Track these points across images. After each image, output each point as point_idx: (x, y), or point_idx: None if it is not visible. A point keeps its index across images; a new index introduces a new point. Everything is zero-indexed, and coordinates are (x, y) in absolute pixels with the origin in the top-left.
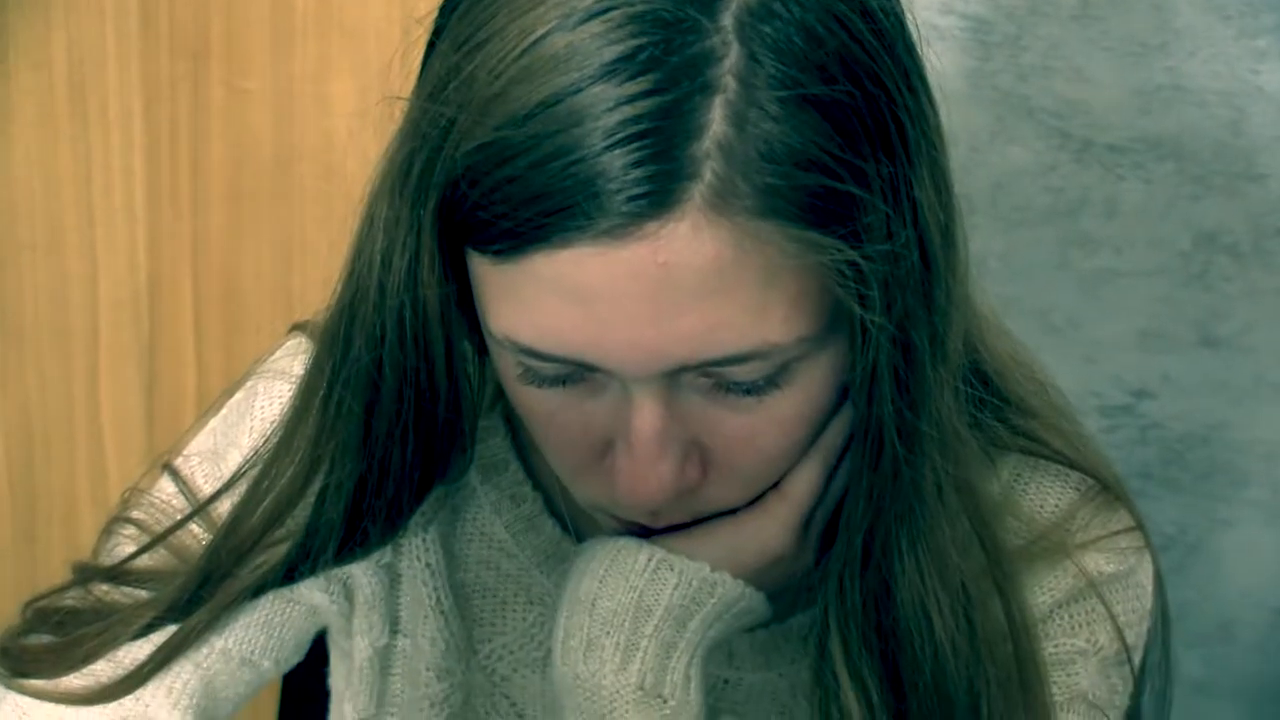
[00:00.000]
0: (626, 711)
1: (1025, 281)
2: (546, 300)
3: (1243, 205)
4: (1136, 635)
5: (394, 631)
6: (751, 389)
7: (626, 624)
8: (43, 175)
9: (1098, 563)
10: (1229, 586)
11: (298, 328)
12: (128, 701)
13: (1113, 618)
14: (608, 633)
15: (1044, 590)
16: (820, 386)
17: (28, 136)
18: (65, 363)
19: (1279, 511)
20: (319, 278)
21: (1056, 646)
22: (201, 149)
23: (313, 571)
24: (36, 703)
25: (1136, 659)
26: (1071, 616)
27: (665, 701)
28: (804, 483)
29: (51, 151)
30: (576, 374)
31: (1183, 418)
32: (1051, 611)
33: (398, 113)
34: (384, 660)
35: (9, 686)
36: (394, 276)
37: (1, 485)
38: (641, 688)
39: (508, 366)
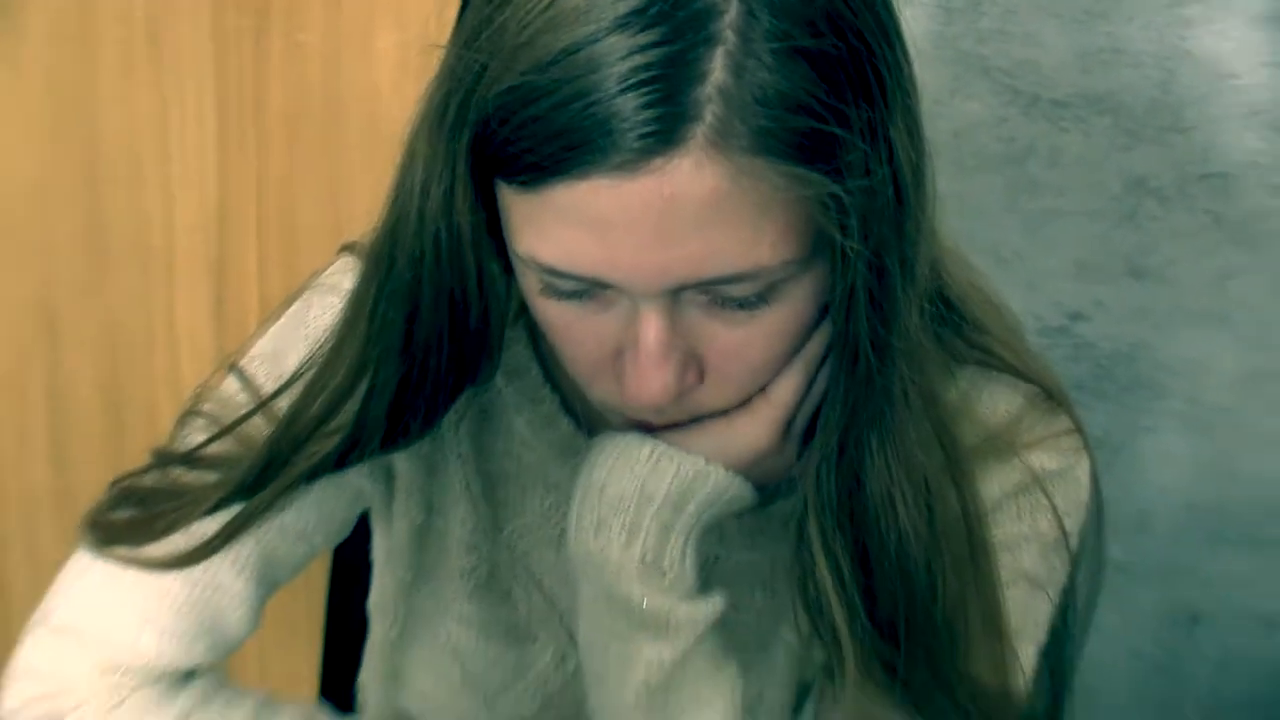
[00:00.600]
0: (631, 582)
1: (978, 219)
2: (565, 226)
3: (1169, 154)
4: (1074, 523)
5: (429, 512)
6: (744, 305)
7: (631, 507)
8: (126, 117)
9: (1041, 460)
10: (1147, 484)
11: (347, 248)
12: (199, 569)
13: (1054, 508)
14: (615, 515)
15: (994, 483)
16: (804, 303)
17: (112, 83)
18: (145, 281)
19: (1193, 420)
20: (364, 207)
21: (1004, 532)
22: (263, 95)
23: (360, 459)
24: (122, 568)
25: (1073, 544)
26: (1018, 506)
27: (664, 574)
28: (787, 388)
29: (133, 96)
30: (591, 290)
31: (1111, 339)
32: (1000, 502)
33: (435, 61)
34: (420, 537)
35: (99, 554)
36: (432, 204)
37: (90, 388)
38: (644, 562)
39: (530, 283)
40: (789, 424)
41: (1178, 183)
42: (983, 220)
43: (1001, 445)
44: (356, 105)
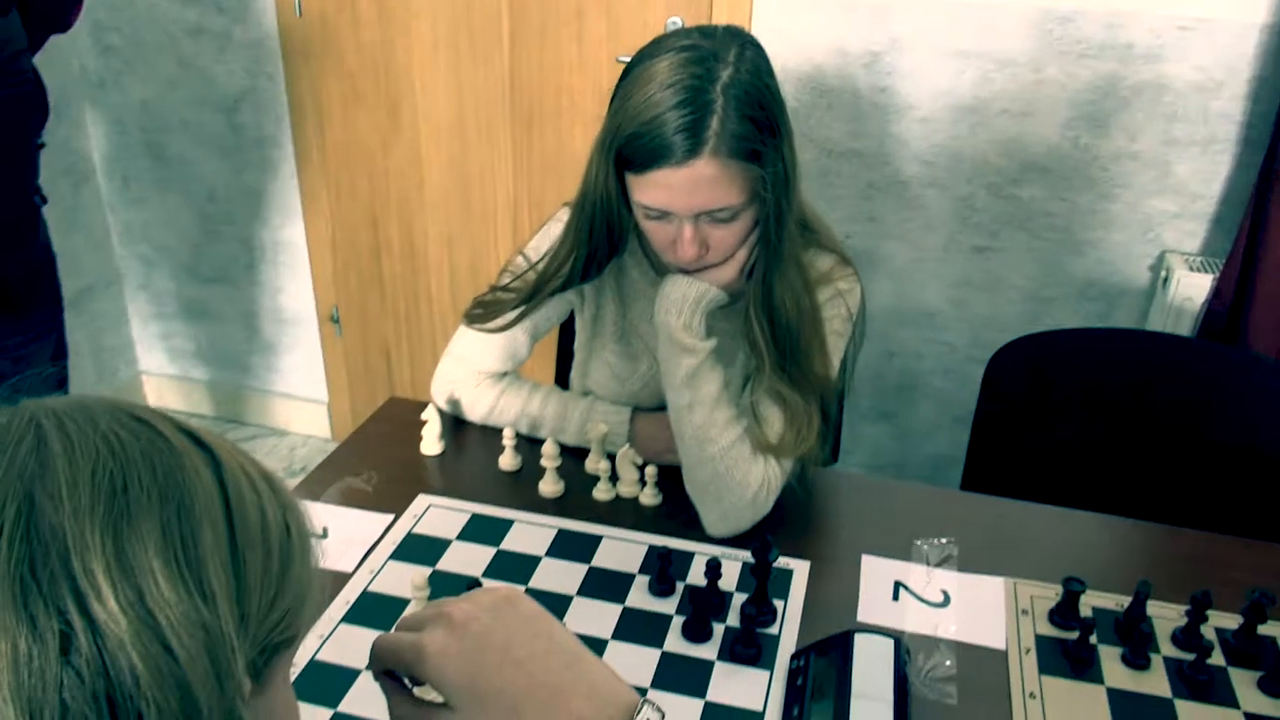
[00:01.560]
0: (678, 333)
1: (811, 197)
2: (654, 189)
3: (883, 173)
4: (854, 310)
5: (598, 308)
6: (725, 221)
7: (678, 302)
8: (477, 161)
9: (840, 285)
10: (876, 301)
11: (566, 204)
12: (508, 332)
13: (847, 304)
14: (673, 305)
15: (823, 294)
16: (750, 220)
17: (474, 147)
18: (484, 225)
19: (891, 277)
20: (570, 189)
21: (827, 314)
22: (530, 151)
23: (571, 286)
24: (476, 334)
25: (854, 319)
26: (832, 302)
27: (691, 330)
28: (743, 254)
29: (480, 152)
30: (664, 215)
31: (861, 246)
32: (825, 302)
33: (599, 125)
34: (595, 319)
35: (469, 327)
36: (598, 182)
37: (465, 268)
38: (683, 325)
39: (640, 212)
40: (743, 269)
41: (887, 184)
42: (811, 197)
43: (825, 279)
44: (570, 155)
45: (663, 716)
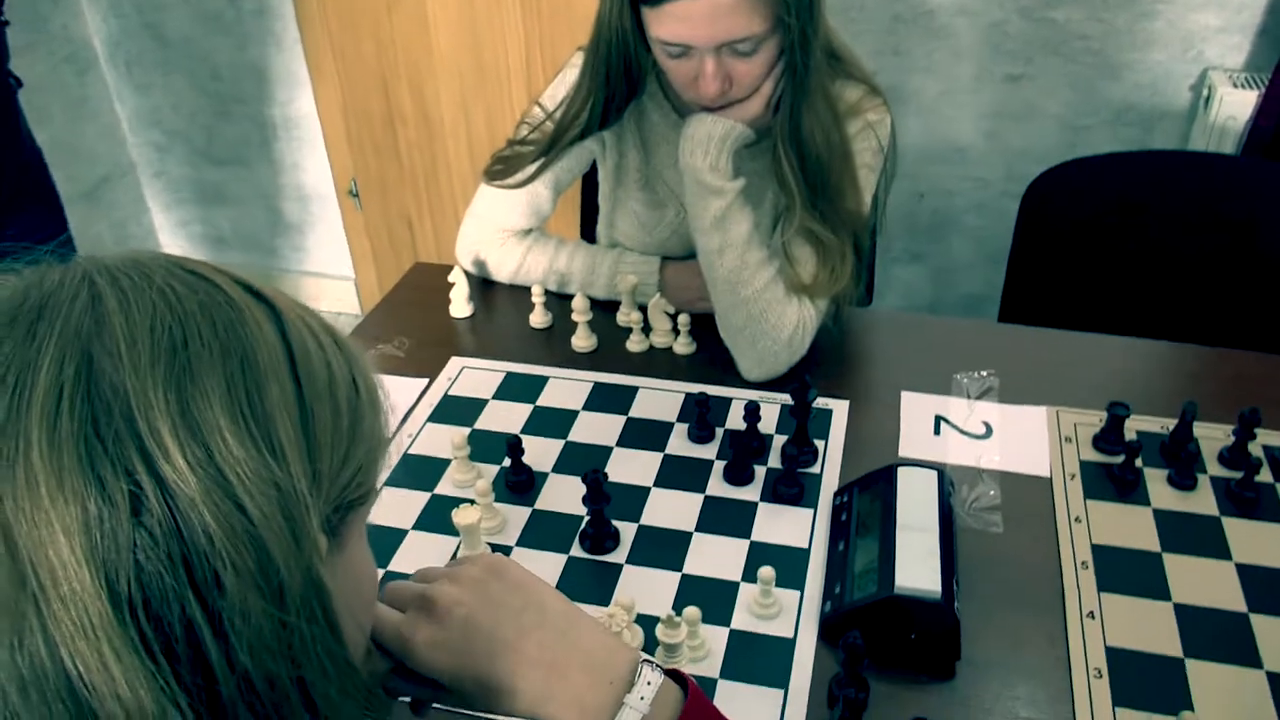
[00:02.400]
0: (705, 174)
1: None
2: (672, 22)
3: (910, 2)
4: (884, 142)
5: (620, 156)
6: (747, 53)
7: (704, 141)
8: (487, 23)
9: (870, 116)
10: (905, 137)
11: (580, 48)
12: (529, 187)
13: (877, 136)
14: (698, 145)
15: (852, 126)
16: (774, 50)
17: (483, 11)
18: (499, 85)
19: (920, 112)
20: (583, 36)
21: (857, 147)
22: (541, 5)
23: (591, 133)
24: (497, 190)
25: (885, 152)
26: (862, 135)
27: (718, 170)
28: (769, 87)
29: (490, 16)
30: (684, 50)
31: (891, 81)
32: (855, 134)
33: None
34: (618, 168)
35: (489, 185)
36: (614, 19)
37: (481, 126)
38: (710, 165)
39: (659, 50)
40: (769, 103)
41: (913, 15)
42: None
43: (853, 110)
44: (582, 4)
45: (662, 674)
